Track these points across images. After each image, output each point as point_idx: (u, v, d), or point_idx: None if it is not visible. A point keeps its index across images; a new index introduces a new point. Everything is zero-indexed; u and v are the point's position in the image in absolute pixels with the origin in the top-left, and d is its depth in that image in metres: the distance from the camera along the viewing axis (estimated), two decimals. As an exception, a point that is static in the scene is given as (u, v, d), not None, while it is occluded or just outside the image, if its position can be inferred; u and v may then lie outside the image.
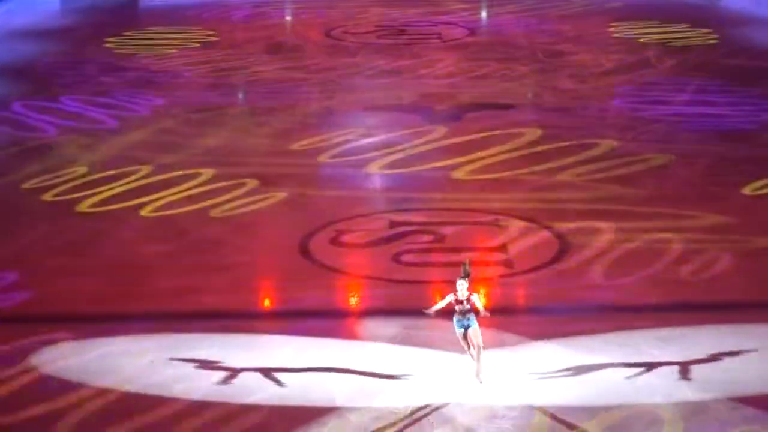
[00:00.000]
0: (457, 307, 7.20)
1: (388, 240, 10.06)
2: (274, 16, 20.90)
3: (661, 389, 7.29)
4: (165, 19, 20.24)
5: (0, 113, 14.30)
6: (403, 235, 10.17)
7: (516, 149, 12.62)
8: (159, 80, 16.02)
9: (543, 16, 20.19)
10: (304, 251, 9.83)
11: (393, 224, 10.41)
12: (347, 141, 13.13)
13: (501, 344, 7.98)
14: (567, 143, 12.76)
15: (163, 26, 19.59)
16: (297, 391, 7.37)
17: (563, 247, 9.80)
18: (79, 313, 8.74)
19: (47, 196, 11.24)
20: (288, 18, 21.01)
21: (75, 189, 11.43)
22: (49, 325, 8.34)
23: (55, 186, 11.51)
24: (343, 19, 20.29)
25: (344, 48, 18.20)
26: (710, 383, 7.33)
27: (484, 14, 20.82)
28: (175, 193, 11.27)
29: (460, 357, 7.63)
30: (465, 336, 7.20)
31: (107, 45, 18.24)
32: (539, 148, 12.64)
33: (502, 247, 9.87)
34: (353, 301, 9.14)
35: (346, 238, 10.18)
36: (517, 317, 8.69)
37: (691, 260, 9.51)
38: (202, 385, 7.43)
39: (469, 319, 7.17)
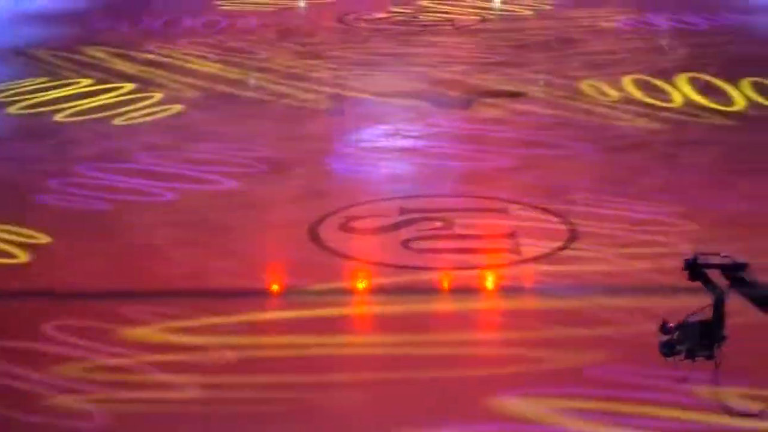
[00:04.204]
0: None
1: (398, 226, 10.07)
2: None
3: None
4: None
5: None
6: (413, 221, 10.17)
7: (524, 135, 12.64)
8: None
9: (558, 4, 20.18)
10: (314, 237, 9.83)
11: (402, 210, 10.41)
12: (358, 127, 13.17)
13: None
14: (578, 130, 12.80)
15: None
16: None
17: (573, 234, 9.78)
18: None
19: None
20: (301, 3, 20.99)
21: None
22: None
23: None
24: (357, 5, 20.28)
25: (357, 33, 18.21)
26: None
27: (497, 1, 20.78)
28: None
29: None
30: None
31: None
32: (548, 135, 12.66)
33: (511, 234, 9.87)
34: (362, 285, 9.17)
35: (356, 224, 10.18)
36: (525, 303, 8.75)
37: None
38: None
39: None
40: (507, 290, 9.00)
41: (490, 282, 9.12)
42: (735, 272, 4.20)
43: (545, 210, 10.33)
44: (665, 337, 4.11)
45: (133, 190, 10.97)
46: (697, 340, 4.12)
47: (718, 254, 4.24)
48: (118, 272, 9.13)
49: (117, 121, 13.36)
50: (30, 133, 12.98)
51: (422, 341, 7.88)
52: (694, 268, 4.18)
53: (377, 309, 8.71)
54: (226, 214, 10.37)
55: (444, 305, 8.80)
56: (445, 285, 9.15)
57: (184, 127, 13.23)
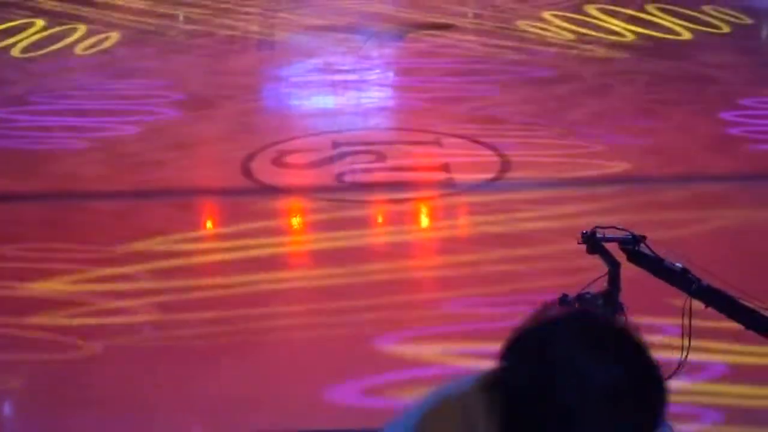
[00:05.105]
0: None
1: (331, 160, 10.06)
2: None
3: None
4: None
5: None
6: (346, 155, 10.17)
7: (455, 67, 12.66)
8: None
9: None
10: (247, 172, 9.79)
11: (335, 144, 10.41)
12: (289, 62, 13.12)
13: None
14: (509, 62, 12.85)
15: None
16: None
17: (504, 166, 9.84)
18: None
19: None
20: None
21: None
22: None
23: None
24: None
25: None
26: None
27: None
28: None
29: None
30: None
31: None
32: (480, 67, 12.70)
33: (444, 166, 9.90)
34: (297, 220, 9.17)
35: (289, 158, 10.16)
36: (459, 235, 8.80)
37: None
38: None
39: None
40: (440, 221, 9.06)
41: (423, 213, 9.17)
42: (633, 245, 4.28)
43: (477, 141, 10.38)
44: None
45: (61, 127, 10.86)
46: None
47: (615, 227, 4.32)
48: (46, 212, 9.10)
49: (47, 58, 13.19)
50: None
51: (357, 272, 7.92)
52: (592, 242, 4.25)
53: (313, 242, 8.73)
54: (155, 151, 10.29)
55: (378, 238, 8.83)
56: (379, 218, 9.19)
57: (111, 63, 13.08)
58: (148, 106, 11.43)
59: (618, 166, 9.74)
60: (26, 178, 9.72)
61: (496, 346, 2.28)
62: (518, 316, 2.30)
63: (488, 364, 2.29)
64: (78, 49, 13.65)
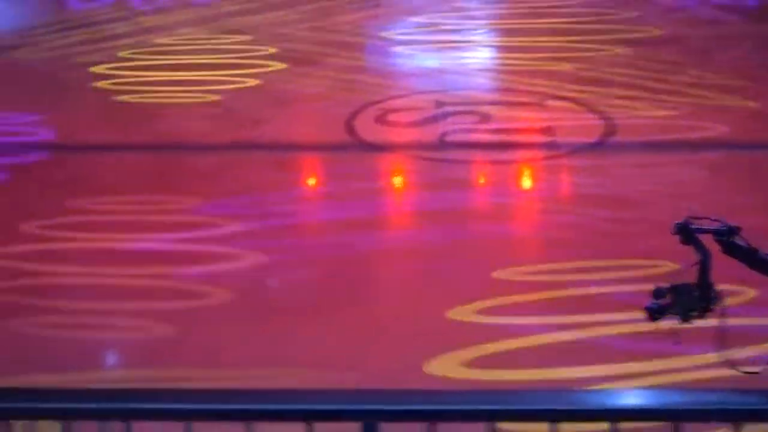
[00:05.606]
0: None
1: (434, 119, 10.05)
2: None
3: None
4: None
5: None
6: (449, 114, 10.14)
7: (561, 29, 12.53)
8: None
9: None
10: (350, 130, 9.83)
11: (439, 104, 10.39)
12: (393, 21, 13.08)
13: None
14: (614, 23, 12.69)
15: None
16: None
17: (608, 128, 9.75)
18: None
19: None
20: None
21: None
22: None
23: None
24: None
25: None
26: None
27: None
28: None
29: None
30: None
31: None
32: (585, 28, 12.56)
33: (548, 129, 9.84)
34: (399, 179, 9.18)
35: (393, 117, 10.16)
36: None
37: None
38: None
39: None
40: (543, 182, 9.01)
41: (526, 175, 9.13)
42: (727, 236, 4.16)
43: (581, 103, 10.30)
44: (654, 302, 4.07)
45: (164, 82, 10.99)
46: (696, 302, 4.11)
47: (708, 218, 4.19)
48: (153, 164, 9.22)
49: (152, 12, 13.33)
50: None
51: (459, 232, 7.90)
52: (686, 232, 4.14)
53: (415, 202, 8.74)
54: (258, 108, 10.36)
55: (480, 198, 8.82)
56: (481, 179, 9.16)
57: (216, 17, 13.16)
58: (251, 61, 11.50)
59: (720, 130, 9.61)
60: (131, 132, 9.86)
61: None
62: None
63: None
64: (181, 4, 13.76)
